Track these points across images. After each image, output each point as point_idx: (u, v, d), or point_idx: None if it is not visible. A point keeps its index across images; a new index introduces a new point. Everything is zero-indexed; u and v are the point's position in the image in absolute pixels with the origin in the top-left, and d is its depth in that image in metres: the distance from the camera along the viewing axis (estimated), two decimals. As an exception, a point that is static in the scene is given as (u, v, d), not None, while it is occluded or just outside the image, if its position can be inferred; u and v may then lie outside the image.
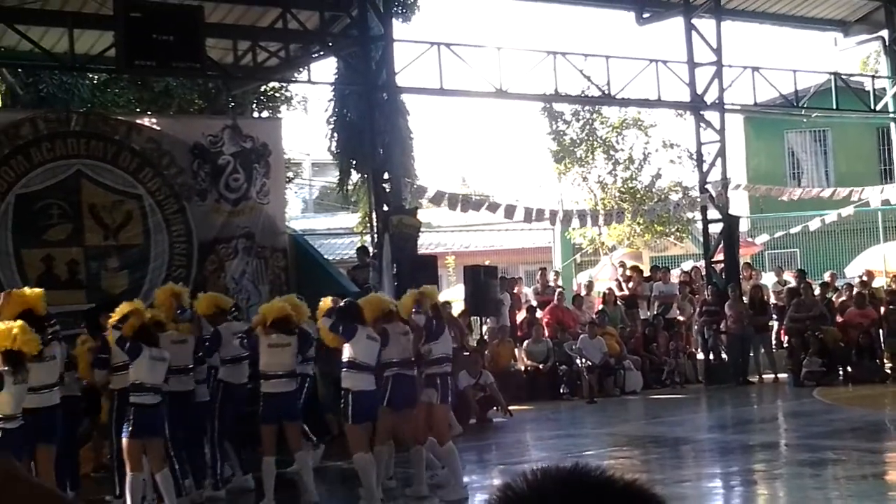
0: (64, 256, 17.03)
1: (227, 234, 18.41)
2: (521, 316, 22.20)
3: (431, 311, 11.63)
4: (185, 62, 17.05)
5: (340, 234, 32.68)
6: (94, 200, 17.35)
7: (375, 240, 19.19)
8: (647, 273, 24.86)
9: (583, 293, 23.70)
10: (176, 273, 17.65)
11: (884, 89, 27.17)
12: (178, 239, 17.96)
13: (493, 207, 22.52)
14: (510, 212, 22.29)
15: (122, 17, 16.22)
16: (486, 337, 20.65)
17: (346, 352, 11.05)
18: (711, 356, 22.15)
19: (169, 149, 18.09)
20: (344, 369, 11.11)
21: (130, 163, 17.72)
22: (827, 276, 24.73)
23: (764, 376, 21.73)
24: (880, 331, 21.53)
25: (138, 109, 23.64)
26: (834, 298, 22.90)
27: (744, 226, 27.19)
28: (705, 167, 23.52)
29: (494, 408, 17.69)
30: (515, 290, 22.68)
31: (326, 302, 11.65)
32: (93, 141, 17.48)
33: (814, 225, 26.80)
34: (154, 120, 19.18)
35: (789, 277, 24.80)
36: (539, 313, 21.63)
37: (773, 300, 23.53)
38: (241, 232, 18.46)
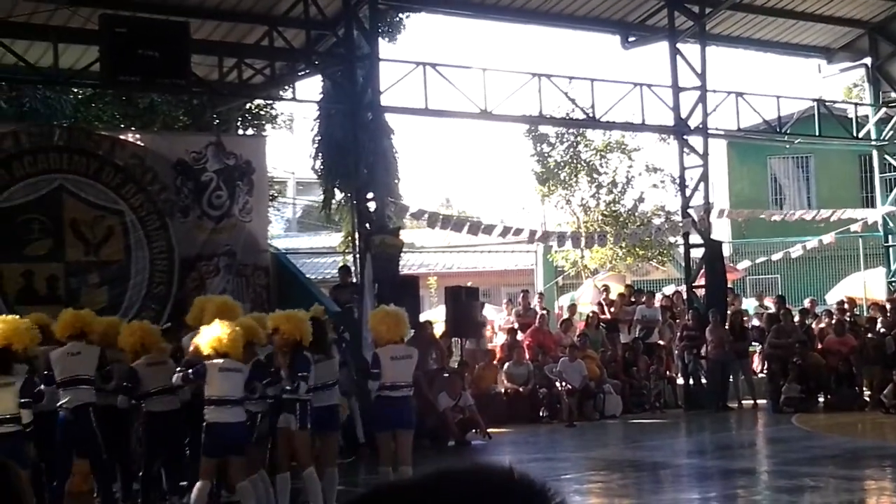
0: (44, 272, 16.97)
1: (209, 251, 18.35)
2: (497, 338, 22.21)
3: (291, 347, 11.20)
4: (170, 78, 16.97)
5: (323, 253, 32.59)
6: (75, 216, 17.30)
7: (358, 259, 19.15)
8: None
9: (565, 315, 23.65)
10: (156, 290, 17.61)
11: (867, 116, 27.28)
12: (159, 256, 17.89)
13: (474, 227, 22.52)
14: (489, 230, 22.28)
15: (107, 32, 16.17)
16: (465, 358, 20.56)
17: (206, 390, 10.91)
18: (691, 381, 22.13)
19: (152, 165, 18.05)
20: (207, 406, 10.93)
21: (113, 178, 17.67)
22: (807, 303, 24.77)
23: (743, 402, 21.72)
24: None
25: (122, 125, 23.56)
26: (813, 325, 22.93)
27: (725, 251, 27.25)
28: (688, 192, 23.51)
29: (473, 430, 17.65)
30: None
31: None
32: (76, 156, 17.43)
33: (795, 252, 26.83)
34: (138, 136, 19.14)
35: (769, 303, 24.83)
36: (520, 335, 21.57)
37: (756, 323, 23.55)
38: (222, 249, 18.41)
